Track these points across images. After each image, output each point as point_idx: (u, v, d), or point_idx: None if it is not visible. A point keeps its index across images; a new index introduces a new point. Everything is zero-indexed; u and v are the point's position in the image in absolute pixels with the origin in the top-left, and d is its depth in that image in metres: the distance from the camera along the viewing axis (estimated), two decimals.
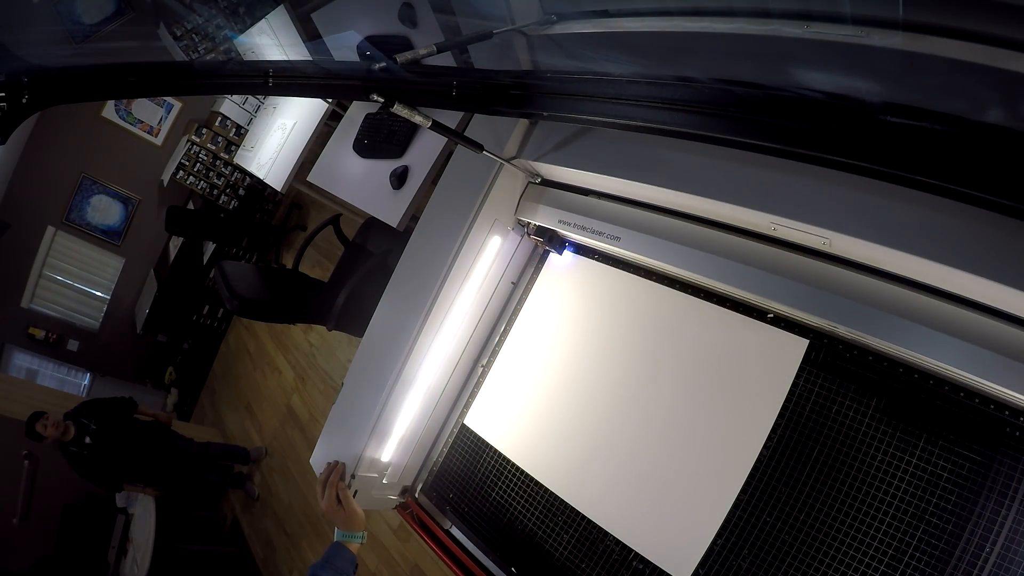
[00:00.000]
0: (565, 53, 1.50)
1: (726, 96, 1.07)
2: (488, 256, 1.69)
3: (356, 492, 1.59)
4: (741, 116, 1.06)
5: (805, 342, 1.27)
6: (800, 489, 1.20)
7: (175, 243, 6.12)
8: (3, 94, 0.81)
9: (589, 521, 1.46)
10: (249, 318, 3.43)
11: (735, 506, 1.26)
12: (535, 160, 1.56)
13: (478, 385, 1.79)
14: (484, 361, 1.80)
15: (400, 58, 1.21)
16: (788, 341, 1.29)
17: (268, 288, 3.10)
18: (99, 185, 5.77)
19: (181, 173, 5.61)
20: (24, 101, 0.83)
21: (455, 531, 1.69)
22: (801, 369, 1.26)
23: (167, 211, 5.30)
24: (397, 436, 1.67)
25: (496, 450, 1.68)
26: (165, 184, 5.80)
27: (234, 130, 5.65)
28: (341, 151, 2.89)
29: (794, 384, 1.26)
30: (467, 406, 1.79)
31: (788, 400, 1.26)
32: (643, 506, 1.40)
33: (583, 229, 1.53)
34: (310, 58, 2.68)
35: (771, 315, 1.32)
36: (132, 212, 6.01)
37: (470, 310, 1.72)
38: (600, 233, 1.49)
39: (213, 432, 5.54)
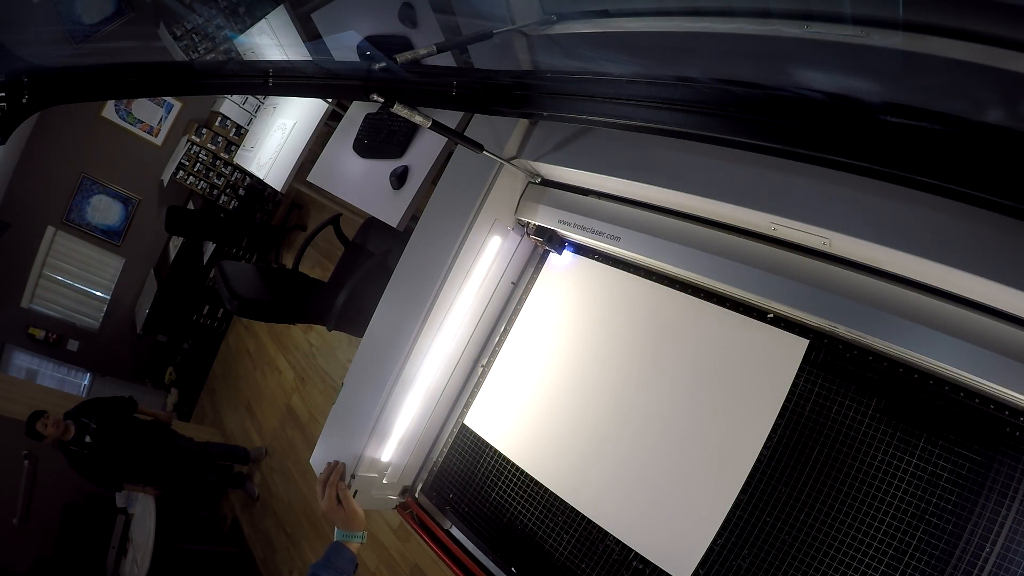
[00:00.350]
0: (565, 53, 1.50)
1: (726, 96, 1.07)
2: (488, 256, 1.69)
3: (356, 492, 1.59)
4: (741, 116, 1.06)
5: (805, 342, 1.27)
6: (800, 489, 1.20)
7: (175, 243, 6.12)
8: (3, 94, 0.81)
9: (589, 521, 1.46)
10: (249, 318, 3.44)
11: (735, 506, 1.26)
12: (535, 160, 1.56)
13: (478, 385, 1.79)
14: (484, 361, 1.80)
15: (400, 58, 1.20)
16: (788, 341, 1.29)
17: (268, 288, 3.10)
18: (99, 185, 5.77)
19: (181, 173, 5.61)
20: (24, 101, 0.82)
21: (455, 531, 1.69)
22: (801, 369, 1.26)
23: (167, 211, 5.29)
24: (397, 436, 1.67)
25: (496, 450, 1.68)
26: (165, 184, 5.80)
27: (234, 130, 5.64)
28: (341, 151, 2.90)
29: (794, 384, 1.26)
30: (467, 406, 1.79)
31: (788, 400, 1.26)
32: (643, 506, 1.40)
33: (583, 229, 1.53)
34: (310, 58, 2.69)
35: (771, 315, 1.32)
36: (132, 212, 6.01)
37: (470, 310, 1.72)
38: (600, 233, 1.49)
39: (213, 432, 5.54)
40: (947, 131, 0.85)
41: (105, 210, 5.86)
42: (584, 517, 1.47)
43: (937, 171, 0.87)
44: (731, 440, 1.31)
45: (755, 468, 1.26)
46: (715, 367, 1.38)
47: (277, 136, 4.03)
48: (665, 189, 1.28)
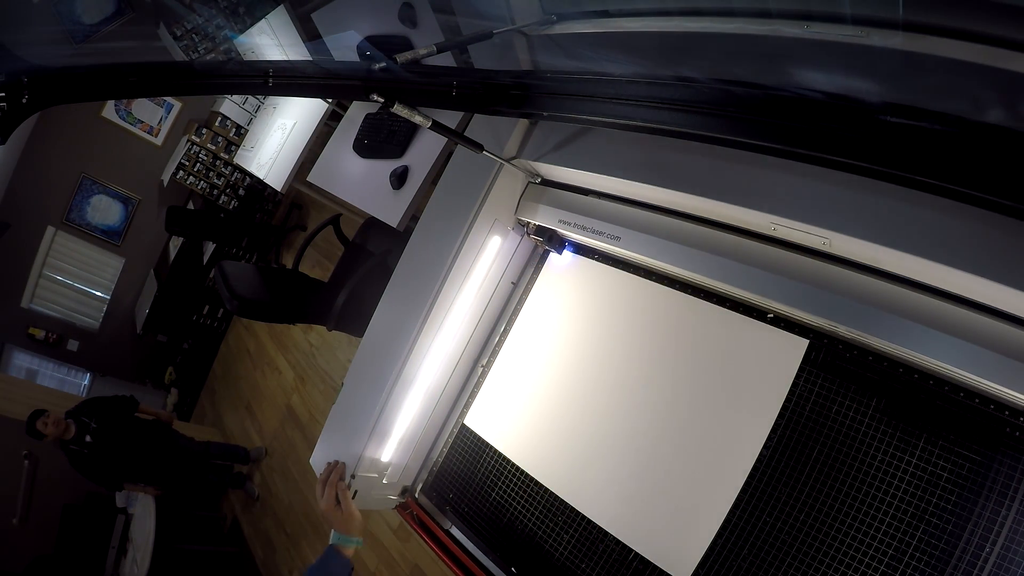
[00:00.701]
0: (565, 53, 1.49)
1: (726, 96, 1.07)
2: (488, 256, 1.69)
3: (356, 492, 1.59)
4: (741, 116, 1.05)
5: (805, 342, 1.27)
6: (800, 489, 1.20)
7: (175, 243, 6.12)
8: (3, 94, 0.81)
9: (589, 521, 1.46)
10: (249, 318, 3.44)
11: (735, 506, 1.26)
12: (535, 160, 1.57)
13: (478, 385, 1.79)
14: (484, 361, 1.80)
15: (400, 58, 1.20)
16: (788, 341, 1.29)
17: (268, 288, 3.10)
18: (99, 185, 5.77)
19: (181, 173, 5.61)
20: (24, 101, 0.82)
21: (455, 531, 1.69)
22: (801, 369, 1.26)
23: (167, 211, 5.30)
24: (397, 436, 1.67)
25: (496, 450, 1.68)
26: (165, 184, 5.80)
27: (234, 130, 5.64)
28: (341, 151, 2.90)
29: (794, 384, 1.26)
30: (467, 406, 1.79)
31: (788, 400, 1.26)
32: (643, 506, 1.40)
33: (583, 229, 1.53)
34: (310, 58, 2.68)
35: (771, 315, 1.32)
36: (132, 212, 6.01)
37: (470, 310, 1.72)
38: (600, 233, 1.49)
39: (213, 432, 5.54)
40: (947, 131, 0.85)
41: (105, 210, 5.86)
42: (584, 517, 1.47)
43: (937, 171, 0.86)
44: (731, 440, 1.31)
45: (755, 468, 1.26)
46: (715, 367, 1.38)
47: (277, 136, 4.05)
48: (665, 189, 1.28)
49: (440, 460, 1.80)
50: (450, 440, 1.80)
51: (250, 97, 5.48)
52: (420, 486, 1.81)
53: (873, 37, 0.95)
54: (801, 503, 1.19)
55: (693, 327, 1.44)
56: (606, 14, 1.38)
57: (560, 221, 1.59)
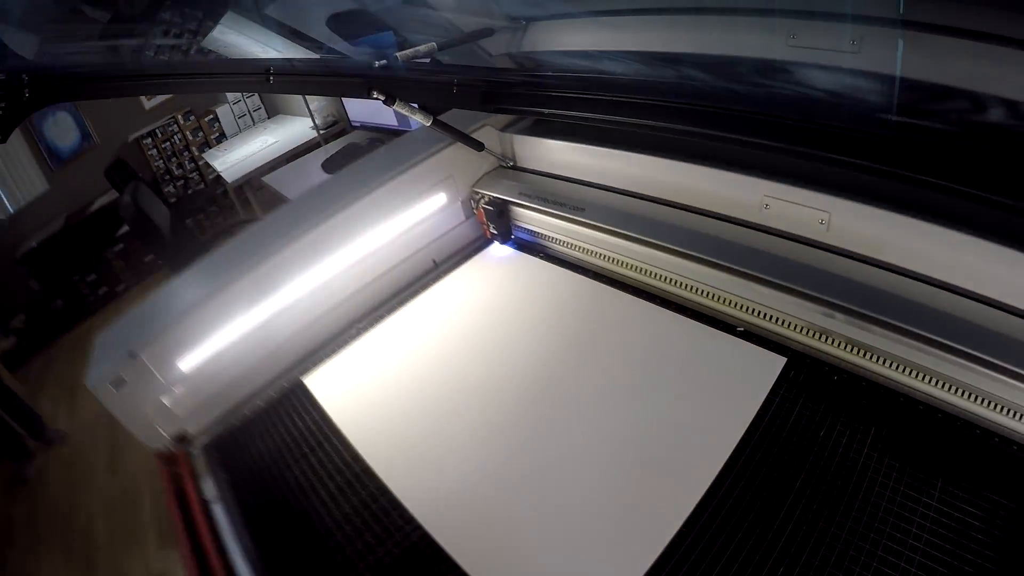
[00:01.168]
0: (564, 54, 1.43)
1: (727, 95, 1.01)
2: (424, 208, 1.48)
3: (126, 383, 1.19)
4: (742, 115, 0.95)
5: (783, 360, 1.01)
6: (775, 532, 0.83)
7: (101, 202, 5.66)
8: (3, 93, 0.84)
9: (440, 549, 0.96)
10: (137, 237, 3.07)
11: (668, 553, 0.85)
12: (516, 133, 1.46)
13: (341, 345, 1.44)
14: (362, 324, 1.47)
15: (400, 56, 1.19)
16: (762, 358, 1.02)
17: (170, 227, 2.77)
18: (74, 108, 5.45)
19: (148, 140, 5.46)
20: (26, 96, 0.85)
21: (218, 509, 1.21)
22: (776, 388, 0.97)
23: (116, 160, 5.02)
24: (211, 348, 1.28)
25: (331, 420, 1.27)
26: (128, 141, 5.56)
27: (217, 134, 5.63)
28: (307, 167, 3.24)
29: (766, 404, 0.95)
30: (316, 363, 1.41)
31: (756, 422, 0.94)
32: (531, 551, 0.94)
33: (545, 201, 1.33)
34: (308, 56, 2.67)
35: (741, 328, 1.08)
36: (85, 149, 5.61)
37: (374, 257, 1.46)
38: (563, 205, 1.29)
39: (25, 393, 4.65)
40: (949, 131, 0.80)
41: (64, 132, 5.44)
42: (440, 548, 0.97)
43: (939, 171, 0.77)
44: (676, 470, 0.95)
45: (698, 510, 0.87)
46: (664, 384, 1.08)
47: (255, 146, 4.54)
48: (653, 158, 1.14)
49: (248, 415, 1.36)
50: (275, 396, 1.38)
51: (248, 115, 5.61)
52: (205, 438, 1.35)
53: (872, 38, 0.87)
54: (779, 549, 0.81)
55: (644, 337, 1.17)
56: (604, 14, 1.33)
57: (520, 194, 1.40)
